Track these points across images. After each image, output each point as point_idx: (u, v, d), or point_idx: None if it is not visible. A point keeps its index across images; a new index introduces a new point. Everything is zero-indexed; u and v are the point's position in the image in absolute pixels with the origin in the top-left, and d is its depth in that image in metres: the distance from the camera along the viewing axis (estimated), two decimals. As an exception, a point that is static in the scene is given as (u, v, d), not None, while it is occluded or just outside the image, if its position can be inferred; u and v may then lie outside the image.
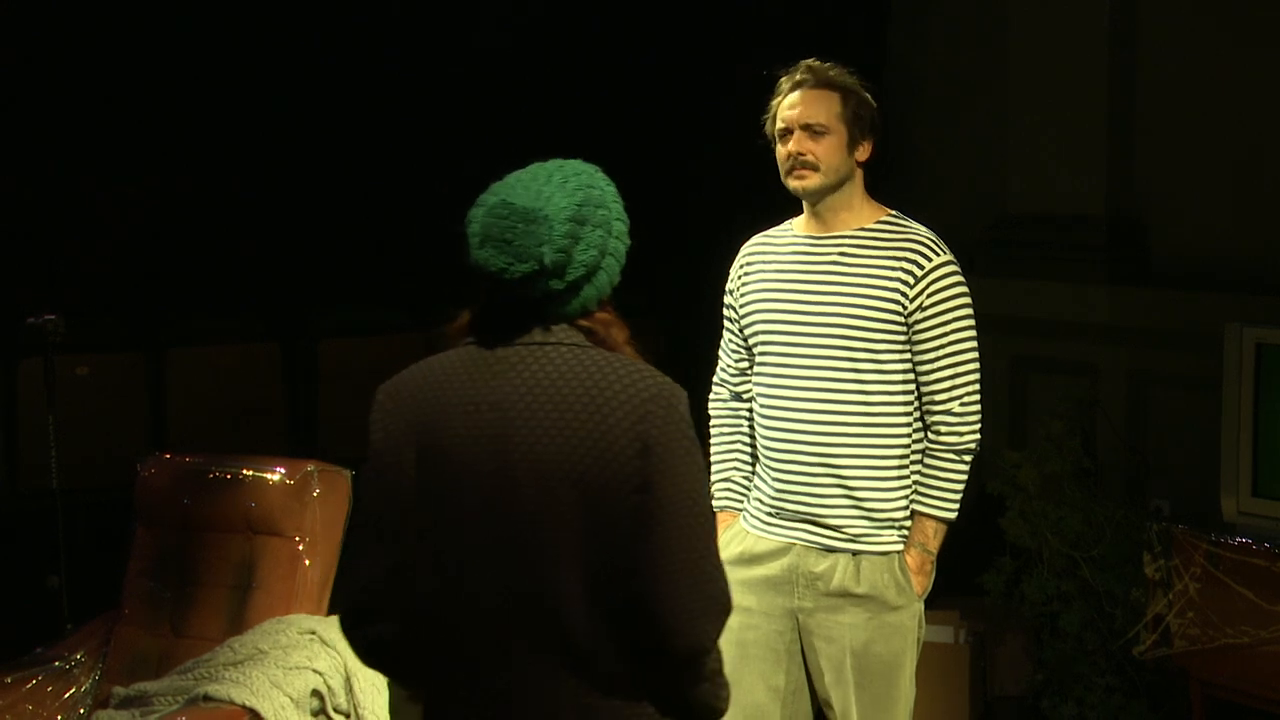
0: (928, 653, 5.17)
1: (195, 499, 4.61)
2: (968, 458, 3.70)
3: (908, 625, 3.73)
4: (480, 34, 7.95)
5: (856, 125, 3.66)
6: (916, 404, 3.69)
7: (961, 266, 3.73)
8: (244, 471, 4.59)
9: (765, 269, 3.78)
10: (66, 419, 5.13)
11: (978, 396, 3.71)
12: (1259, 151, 5.73)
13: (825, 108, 3.64)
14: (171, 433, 6.35)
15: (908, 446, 3.68)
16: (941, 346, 3.64)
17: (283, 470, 4.55)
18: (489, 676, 2.43)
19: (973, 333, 3.70)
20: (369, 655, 2.56)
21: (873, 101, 3.71)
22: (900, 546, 3.68)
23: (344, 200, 7.81)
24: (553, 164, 2.52)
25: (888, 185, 6.65)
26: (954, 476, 3.68)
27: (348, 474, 4.59)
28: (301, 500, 4.50)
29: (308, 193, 7.68)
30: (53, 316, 4.85)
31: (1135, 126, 6.16)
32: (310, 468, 4.56)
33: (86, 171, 7.23)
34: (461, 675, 2.45)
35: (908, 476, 3.68)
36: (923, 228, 3.75)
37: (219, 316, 7.02)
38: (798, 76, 3.69)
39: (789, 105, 3.67)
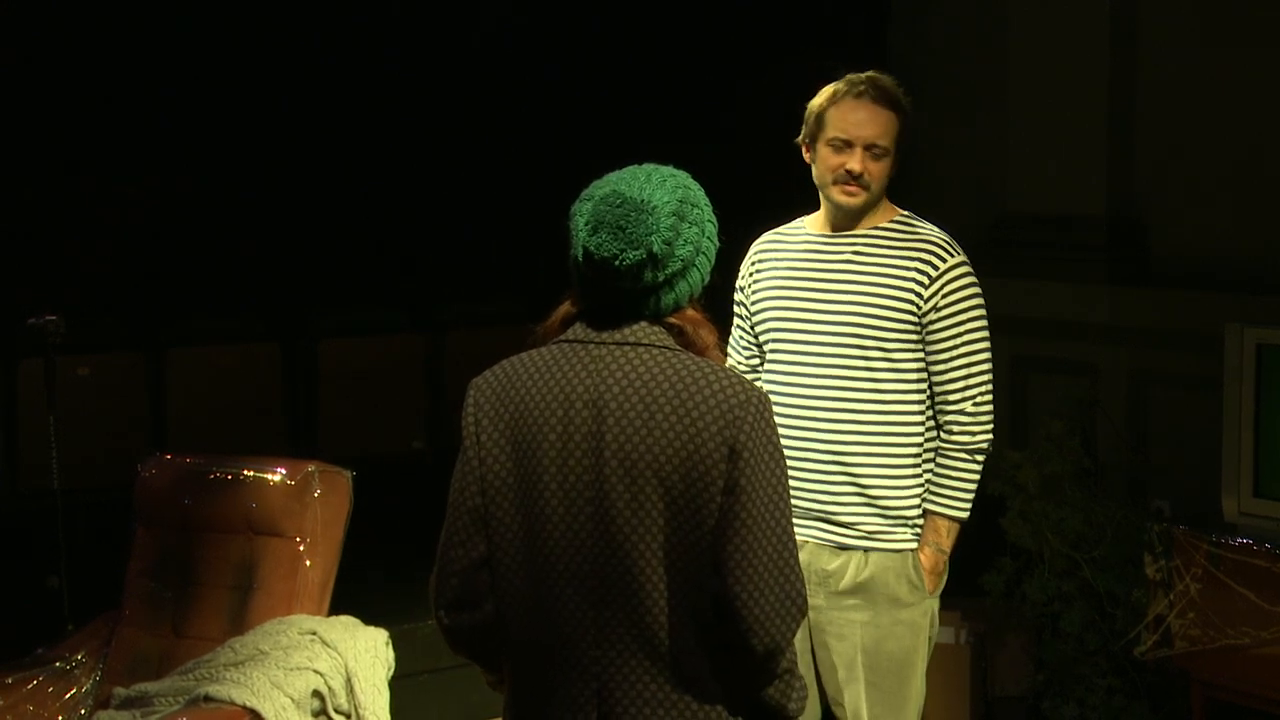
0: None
1: (196, 499, 4.61)
2: (980, 457, 3.72)
3: (920, 623, 3.73)
4: (480, 34, 7.95)
5: (904, 144, 3.65)
6: (929, 402, 3.69)
7: (970, 263, 3.74)
8: (244, 472, 4.58)
9: (778, 266, 3.77)
10: (67, 419, 5.13)
11: (990, 397, 3.73)
12: (1259, 152, 5.73)
13: (889, 129, 3.59)
14: (172, 433, 6.35)
15: (921, 444, 3.68)
16: (955, 348, 3.66)
17: (283, 471, 4.54)
18: (575, 665, 2.51)
19: (985, 334, 3.72)
20: (463, 642, 2.68)
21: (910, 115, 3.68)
22: (914, 544, 3.68)
23: (344, 200, 7.81)
24: (648, 166, 2.58)
25: (889, 185, 6.66)
26: (967, 476, 3.69)
27: (348, 474, 4.58)
28: (302, 501, 4.50)
29: (308, 193, 7.68)
30: (53, 317, 4.84)
31: (1135, 127, 6.16)
32: (311, 468, 4.55)
33: (86, 171, 7.22)
34: (548, 663, 2.53)
35: (921, 474, 3.68)
36: (935, 228, 3.75)
37: (219, 316, 7.02)
38: (861, 86, 3.59)
39: (854, 120, 3.58)
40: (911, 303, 3.62)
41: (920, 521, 3.68)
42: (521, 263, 8.11)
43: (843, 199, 3.63)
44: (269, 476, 4.54)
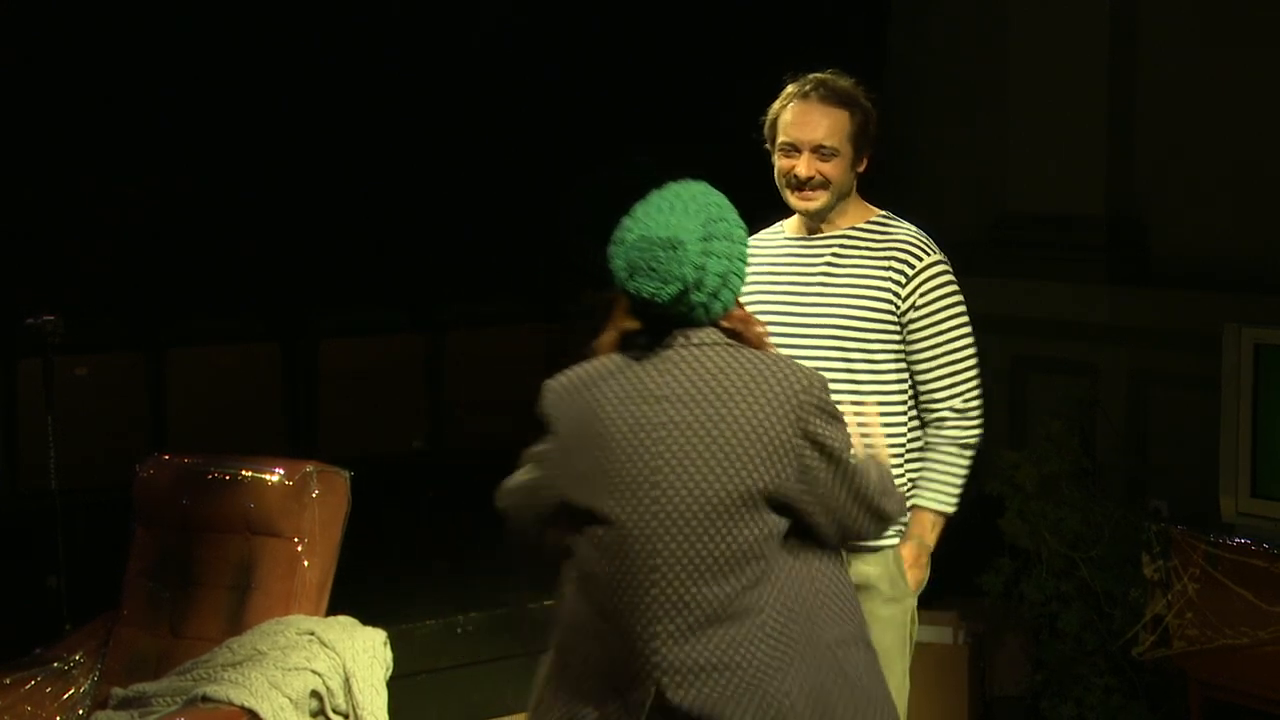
0: (926, 653, 5.18)
1: (194, 499, 4.61)
2: (970, 452, 3.71)
3: (899, 619, 3.71)
4: (480, 34, 7.95)
5: (862, 141, 3.63)
6: (911, 402, 3.69)
7: (959, 266, 3.73)
8: (243, 472, 4.59)
9: (758, 270, 3.71)
10: (66, 419, 5.13)
11: (979, 392, 3.72)
12: (1258, 152, 5.73)
13: (837, 128, 3.58)
14: (171, 433, 6.35)
15: (904, 444, 3.68)
16: (937, 346, 3.65)
17: (282, 471, 4.54)
18: (634, 643, 2.76)
19: (967, 330, 3.70)
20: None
21: (874, 111, 3.67)
22: (895, 541, 3.67)
23: (344, 200, 7.80)
24: (669, 191, 2.77)
25: (888, 185, 6.66)
26: (956, 469, 3.69)
27: (347, 475, 4.58)
28: (300, 501, 4.50)
29: (308, 193, 7.68)
30: (52, 317, 4.84)
31: (1135, 127, 6.16)
32: (309, 468, 4.55)
33: (86, 171, 7.22)
34: (610, 641, 2.82)
35: (903, 474, 3.68)
36: (912, 227, 3.73)
37: (219, 316, 7.02)
38: (807, 87, 3.60)
39: (798, 123, 3.59)
40: (890, 303, 3.62)
41: (903, 520, 3.67)
42: (522, 263, 8.12)
43: (798, 204, 3.65)
44: (267, 477, 4.55)
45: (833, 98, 3.59)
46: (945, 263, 3.69)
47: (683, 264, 2.68)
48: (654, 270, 2.68)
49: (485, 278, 8.00)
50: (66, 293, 6.75)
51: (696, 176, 2.99)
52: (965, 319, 3.70)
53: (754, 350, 2.77)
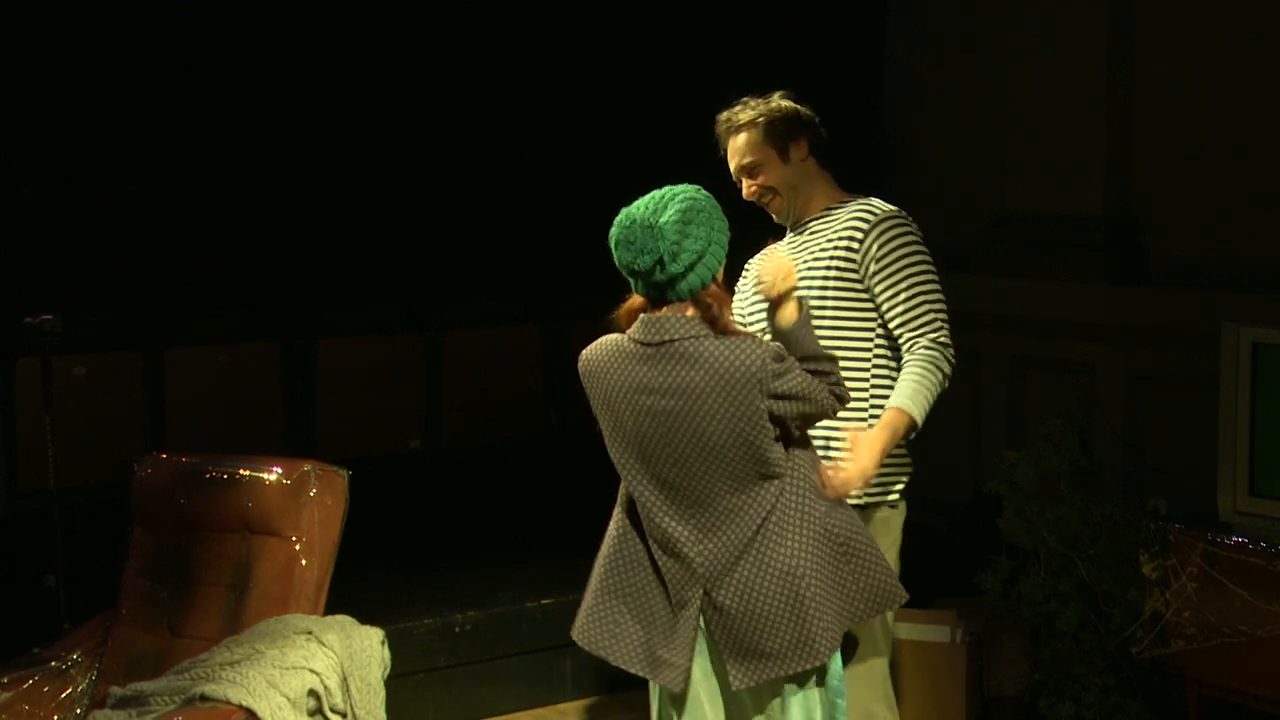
0: (925, 652, 5.19)
1: (192, 499, 4.61)
2: (941, 377, 3.81)
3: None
4: (480, 35, 7.95)
5: (781, 138, 3.94)
6: (872, 366, 3.87)
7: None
8: (241, 471, 4.59)
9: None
10: (63, 419, 5.13)
11: (948, 330, 3.85)
12: (1256, 152, 5.73)
13: (751, 146, 3.94)
14: (169, 432, 6.35)
15: (867, 406, 3.84)
16: (900, 283, 3.82)
17: (280, 470, 4.55)
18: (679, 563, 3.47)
19: (930, 273, 3.85)
20: None
21: (790, 106, 3.95)
22: (863, 501, 3.83)
23: (342, 201, 7.81)
24: (666, 189, 3.44)
25: (887, 185, 6.68)
26: (929, 384, 3.79)
27: (345, 474, 4.58)
28: (298, 500, 4.50)
29: (306, 193, 7.69)
30: (50, 316, 4.84)
31: (1133, 127, 6.16)
32: (307, 467, 4.55)
33: (86, 171, 7.23)
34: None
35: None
36: (875, 200, 3.96)
37: (217, 316, 7.02)
38: (720, 128, 3.98)
39: (728, 156, 3.99)
40: (850, 260, 3.84)
41: (871, 490, 3.84)
42: (519, 263, 8.12)
43: (775, 217, 4.05)
44: (265, 476, 4.55)
45: (735, 128, 3.96)
46: (902, 217, 3.90)
47: (657, 239, 3.34)
48: (630, 244, 3.37)
49: (483, 278, 8.01)
50: (64, 292, 6.75)
51: (696, 180, 3.48)
52: (927, 264, 3.86)
53: (722, 337, 3.39)
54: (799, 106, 3.97)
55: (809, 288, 3.83)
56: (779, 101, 3.97)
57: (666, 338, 3.39)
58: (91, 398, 6.15)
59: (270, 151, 7.59)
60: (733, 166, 3.99)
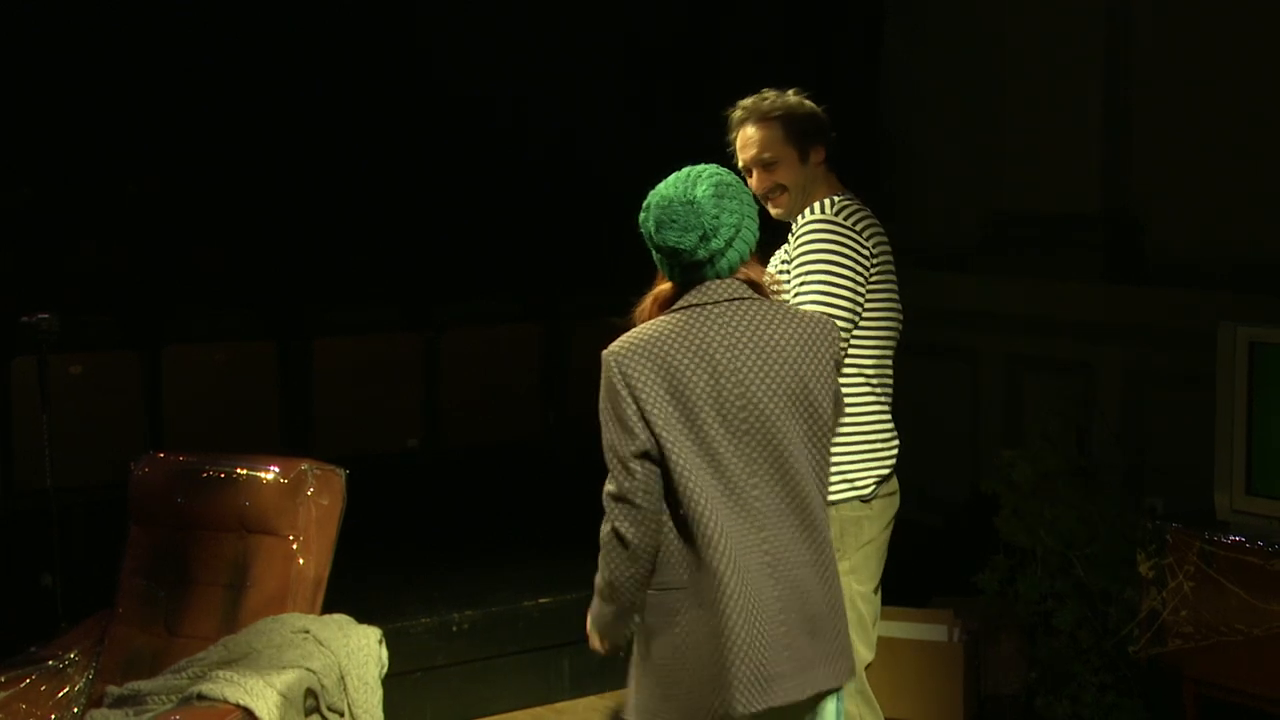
0: (922, 651, 5.19)
1: (189, 498, 4.61)
2: None
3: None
4: (480, 37, 7.96)
5: (803, 140, 3.97)
6: None
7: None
8: (238, 470, 4.59)
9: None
10: (60, 417, 5.13)
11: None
12: (1254, 150, 5.73)
13: (768, 140, 3.95)
14: (166, 431, 6.35)
15: None
16: (796, 278, 3.87)
17: (277, 469, 4.55)
18: (750, 542, 3.16)
19: (824, 272, 3.85)
20: (644, 558, 3.20)
21: (812, 108, 3.98)
22: (842, 497, 3.87)
23: (341, 199, 7.82)
24: (686, 168, 3.30)
25: (887, 184, 6.68)
26: None
27: (342, 473, 4.58)
28: (295, 499, 4.50)
29: (304, 192, 7.69)
30: (47, 315, 4.84)
31: (1131, 125, 6.16)
32: (304, 466, 4.55)
33: (83, 171, 7.23)
34: (722, 545, 3.14)
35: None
36: (836, 201, 3.96)
37: (214, 315, 7.02)
38: (740, 114, 3.98)
39: (742, 146, 3.99)
40: (786, 264, 3.93)
41: (851, 476, 3.91)
42: (517, 262, 8.13)
43: (774, 211, 4.02)
44: (262, 475, 4.55)
45: (760, 117, 3.96)
46: (827, 221, 3.90)
47: (699, 214, 3.20)
48: (675, 222, 3.21)
49: (481, 277, 8.02)
50: (63, 292, 6.75)
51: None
52: (824, 262, 3.85)
53: (782, 303, 3.30)
54: (818, 109, 4.00)
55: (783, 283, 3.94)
56: (803, 101, 3.99)
57: (729, 297, 3.25)
58: (89, 397, 6.16)
59: (269, 151, 7.60)
60: (747, 156, 3.98)
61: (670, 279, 3.30)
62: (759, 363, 3.20)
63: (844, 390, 3.87)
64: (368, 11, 7.72)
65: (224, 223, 7.64)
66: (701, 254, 3.22)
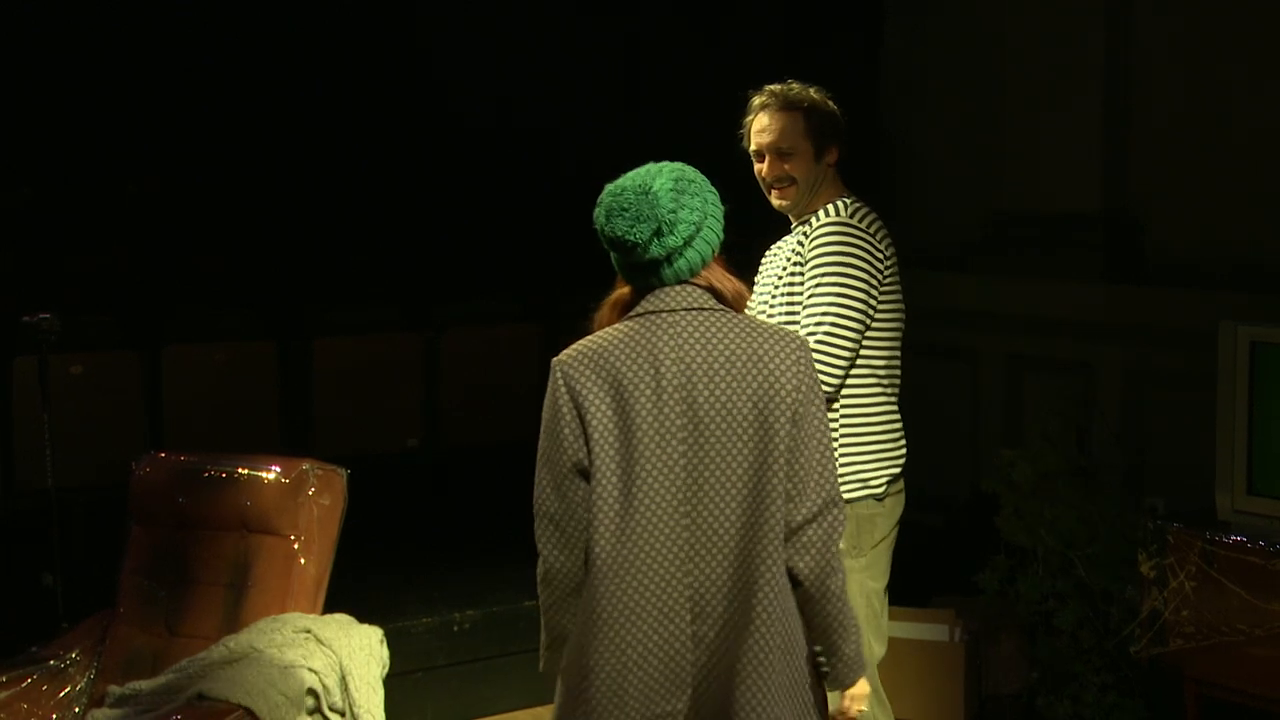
0: (923, 651, 5.19)
1: (190, 497, 4.61)
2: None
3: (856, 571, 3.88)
4: (479, 37, 7.96)
5: (821, 137, 3.97)
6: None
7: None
8: (239, 470, 4.59)
9: (773, 262, 4.10)
10: (61, 417, 5.13)
11: (840, 334, 3.84)
12: (1254, 150, 5.73)
13: (790, 129, 3.95)
14: (166, 431, 6.35)
15: (835, 403, 3.87)
16: (810, 281, 3.85)
17: (278, 469, 4.55)
18: (668, 579, 2.93)
19: (841, 276, 3.84)
20: (563, 583, 3.02)
21: (835, 109, 4.00)
22: (856, 495, 3.87)
23: (341, 199, 7.82)
24: (649, 164, 3.05)
25: (886, 184, 6.68)
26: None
27: (343, 472, 4.58)
28: (296, 499, 4.50)
29: (305, 192, 7.69)
30: (47, 315, 4.83)
31: (1131, 124, 6.15)
32: (305, 466, 4.55)
33: (83, 170, 7.23)
34: (641, 580, 2.93)
35: (838, 427, 3.87)
36: (847, 204, 3.96)
37: (214, 314, 7.03)
38: (763, 99, 3.98)
39: (758, 129, 3.99)
40: (799, 262, 3.91)
41: (860, 472, 3.91)
42: (517, 262, 8.13)
43: (775, 201, 4.03)
44: (264, 474, 4.55)
45: (784, 104, 3.96)
46: (845, 225, 3.90)
47: (654, 205, 2.92)
48: (626, 210, 2.93)
49: (481, 277, 8.01)
50: (61, 291, 6.75)
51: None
52: (841, 267, 3.84)
53: (744, 316, 3.01)
54: (838, 111, 4.02)
55: (779, 282, 3.95)
56: (827, 100, 4.00)
57: (687, 306, 2.97)
58: (89, 397, 6.16)
59: (269, 151, 7.60)
60: (762, 141, 3.97)
61: (625, 280, 3.04)
62: (709, 380, 2.91)
63: (856, 390, 3.90)
64: (368, 11, 7.72)
65: (224, 223, 7.63)
66: (656, 251, 2.94)
